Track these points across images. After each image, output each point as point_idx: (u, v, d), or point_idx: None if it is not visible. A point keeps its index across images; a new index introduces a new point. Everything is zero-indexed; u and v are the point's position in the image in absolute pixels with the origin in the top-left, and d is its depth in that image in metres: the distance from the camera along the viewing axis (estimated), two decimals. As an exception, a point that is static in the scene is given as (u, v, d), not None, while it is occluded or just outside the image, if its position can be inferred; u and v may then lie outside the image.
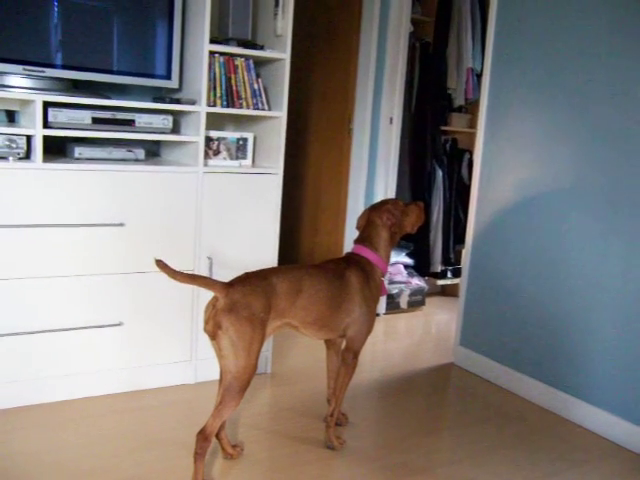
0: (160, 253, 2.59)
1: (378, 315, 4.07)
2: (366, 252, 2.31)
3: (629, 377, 2.52)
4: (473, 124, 4.45)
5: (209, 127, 2.78)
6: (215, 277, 2.62)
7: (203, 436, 1.93)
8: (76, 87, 2.65)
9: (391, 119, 3.98)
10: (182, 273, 1.92)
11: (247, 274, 2.06)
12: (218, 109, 2.71)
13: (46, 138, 2.43)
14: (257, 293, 1.97)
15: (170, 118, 2.65)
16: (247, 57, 2.79)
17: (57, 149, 2.62)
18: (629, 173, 2.50)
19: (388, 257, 2.37)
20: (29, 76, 2.44)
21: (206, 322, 1.97)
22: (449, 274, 4.59)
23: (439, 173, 4.37)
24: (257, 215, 2.84)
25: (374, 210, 2.38)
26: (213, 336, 1.95)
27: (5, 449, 2.17)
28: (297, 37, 3.32)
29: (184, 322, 2.75)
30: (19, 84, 2.43)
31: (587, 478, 2.28)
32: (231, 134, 2.84)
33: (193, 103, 2.67)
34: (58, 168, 2.40)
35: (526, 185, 2.94)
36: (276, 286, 2.04)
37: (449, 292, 4.78)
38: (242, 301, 1.94)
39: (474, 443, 2.47)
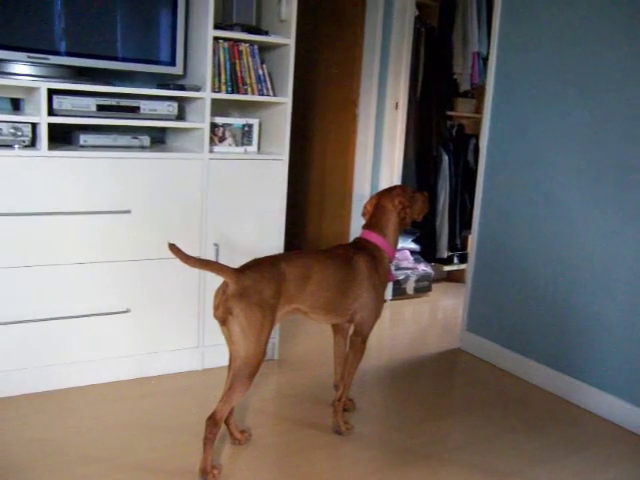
0: (167, 240, 2.58)
1: (385, 301, 4.07)
2: (375, 237, 2.31)
3: (637, 361, 2.51)
4: (479, 109, 4.42)
5: (214, 113, 2.76)
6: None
7: (213, 421, 1.94)
8: (80, 74, 2.63)
9: (396, 104, 3.95)
10: (194, 258, 1.93)
11: (257, 260, 2.06)
12: (223, 95, 2.69)
13: (51, 126, 2.42)
14: (267, 279, 1.97)
15: (175, 105, 2.64)
16: (252, 43, 2.77)
17: (62, 137, 2.62)
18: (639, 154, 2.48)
19: (396, 243, 2.36)
20: (33, 63, 2.43)
21: (216, 308, 1.97)
22: (455, 260, 4.59)
23: (445, 158, 4.35)
24: (263, 201, 2.83)
25: (385, 195, 2.37)
26: (223, 322, 1.95)
27: (14, 436, 2.18)
28: (302, 22, 3.28)
29: (191, 309, 2.75)
30: (23, 72, 2.42)
31: (594, 461, 2.28)
32: (236, 120, 2.82)
33: (198, 89, 2.66)
34: (63, 156, 2.39)
35: (533, 170, 2.92)
36: (286, 272, 2.04)
37: (455, 278, 4.77)
38: (253, 287, 1.93)
39: (481, 428, 2.48)
